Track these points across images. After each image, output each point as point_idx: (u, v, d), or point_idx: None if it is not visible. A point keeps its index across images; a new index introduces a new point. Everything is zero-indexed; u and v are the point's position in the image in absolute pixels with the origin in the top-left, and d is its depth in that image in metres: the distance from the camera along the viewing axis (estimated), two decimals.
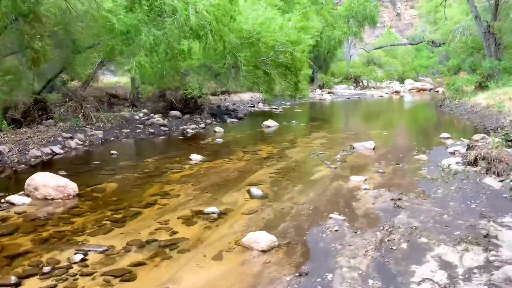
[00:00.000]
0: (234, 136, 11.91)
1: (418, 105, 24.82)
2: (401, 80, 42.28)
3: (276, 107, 21.04)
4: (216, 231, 4.58)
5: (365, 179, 6.61)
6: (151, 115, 14.25)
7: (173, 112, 14.64)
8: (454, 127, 14.23)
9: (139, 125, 12.81)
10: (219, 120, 15.25)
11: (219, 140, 10.83)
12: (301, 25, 15.27)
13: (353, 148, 9.49)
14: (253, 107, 20.21)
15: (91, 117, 11.80)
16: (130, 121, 13.08)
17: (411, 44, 36.82)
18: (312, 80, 37.20)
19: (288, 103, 24.00)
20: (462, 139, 10.39)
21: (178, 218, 5.01)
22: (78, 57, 11.64)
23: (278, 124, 13.98)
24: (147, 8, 10.40)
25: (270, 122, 13.99)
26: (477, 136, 10.54)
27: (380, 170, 7.24)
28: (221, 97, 20.02)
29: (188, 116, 14.77)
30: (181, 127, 13.13)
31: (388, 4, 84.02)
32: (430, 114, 19.22)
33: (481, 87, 19.02)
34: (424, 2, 42.97)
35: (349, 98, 29.50)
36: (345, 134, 11.93)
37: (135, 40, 10.65)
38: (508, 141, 8.78)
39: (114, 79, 19.73)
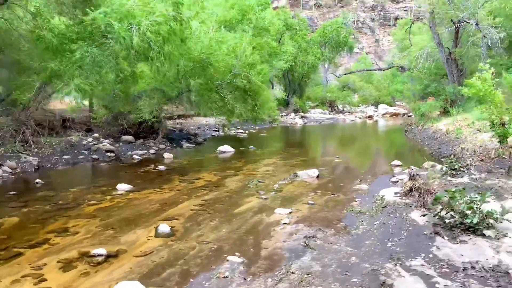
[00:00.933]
0: (181, 163, 11.38)
1: (386, 130, 24.77)
2: (377, 105, 42.64)
3: (243, 131, 20.68)
4: (90, 279, 4.01)
5: (290, 212, 6.15)
6: (101, 140, 13.68)
7: (125, 137, 14.07)
8: (411, 154, 14.00)
9: (84, 151, 12.20)
10: (175, 145, 14.74)
11: (161, 167, 10.30)
12: (256, 43, 15.05)
13: (297, 176, 9.07)
14: (218, 131, 19.77)
15: (30, 142, 11.18)
16: (76, 147, 12.46)
17: (380, 70, 37.23)
18: (287, 104, 37.26)
19: (257, 127, 23.71)
20: (412, 167, 10.08)
21: (58, 261, 4.43)
22: (18, 79, 11.12)
23: (233, 150, 13.52)
24: (78, 24, 10.02)
25: (225, 148, 13.53)
26: (427, 164, 10.26)
27: (311, 202, 6.80)
28: (183, 121, 19.58)
29: (141, 140, 14.22)
30: (129, 153, 12.57)
31: (367, 30, 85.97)
32: (393, 140, 19.08)
33: (445, 112, 19.02)
34: (398, 29, 43.96)
35: (320, 123, 29.39)
36: (296, 160, 11.51)
37: (71, 60, 10.18)
38: (452, 169, 8.49)
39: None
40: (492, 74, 8.69)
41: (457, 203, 4.86)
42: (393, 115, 37.51)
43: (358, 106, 43.87)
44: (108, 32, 10.60)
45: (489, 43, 15.91)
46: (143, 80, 13.12)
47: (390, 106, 41.39)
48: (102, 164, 11.12)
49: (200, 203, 6.82)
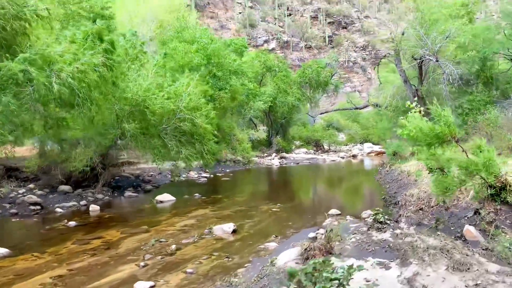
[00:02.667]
0: (101, 217, 10.38)
1: (361, 171, 23.76)
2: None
3: (207, 175, 19.78)
4: None
5: (152, 286, 5.12)
6: (34, 190, 12.78)
7: (62, 187, 13.17)
8: (362, 199, 13.00)
9: (7, 204, 11.26)
10: (116, 194, 13.80)
11: (72, 223, 9.32)
12: (201, 89, 14.45)
13: (211, 231, 8.07)
14: (178, 176, 18.83)
15: None
16: (2, 200, 11.55)
17: (357, 108, 36.77)
18: (269, 144, 36.55)
19: (227, 170, 22.82)
20: (348, 216, 9.08)
21: None
22: None
23: (174, 199, 12.56)
24: None
25: (164, 197, 12.57)
26: (365, 213, 9.27)
27: (190, 270, 5.78)
28: (145, 166, 18.72)
29: (80, 190, 13.31)
30: (57, 205, 11.62)
31: (359, 70, 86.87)
32: (357, 183, 18.09)
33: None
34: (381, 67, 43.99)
35: (298, 164, 28.44)
36: (231, 210, 10.52)
37: None
38: (378, 222, 7.49)
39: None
40: (420, 112, 7.85)
41: (311, 282, 3.85)
42: (378, 153, 36.56)
43: (346, 145, 43.11)
44: (28, 80, 10.02)
45: (450, 79, 15.26)
46: (77, 126, 12.38)
47: (377, 144, 40.56)
48: (15, 219, 10.14)
49: (61, 274, 5.81)
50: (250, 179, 20.26)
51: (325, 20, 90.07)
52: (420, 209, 8.44)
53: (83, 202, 12.08)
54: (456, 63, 14.92)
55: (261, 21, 78.20)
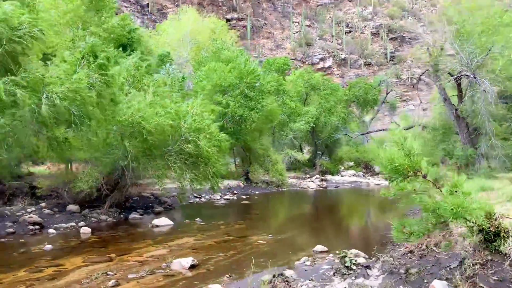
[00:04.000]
0: (86, 241, 10.18)
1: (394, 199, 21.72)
2: None
3: (232, 197, 19.27)
4: None
5: None
6: (44, 209, 13.06)
7: (70, 207, 13.34)
8: (366, 232, 11.63)
9: (9, 223, 11.53)
10: (122, 215, 13.69)
11: (49, 247, 9.19)
12: (208, 108, 14.02)
13: (168, 265, 7.45)
14: (199, 197, 18.49)
15: None
16: (5, 218, 11.88)
17: (405, 129, 34.23)
18: (313, 165, 35.29)
19: (257, 192, 22.16)
20: (331, 255, 8.01)
21: None
22: None
23: (171, 223, 12.14)
24: None
25: (161, 221, 12.19)
26: (353, 251, 8.11)
27: None
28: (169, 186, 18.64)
29: (87, 211, 13.40)
30: (56, 226, 11.69)
31: (424, 87, 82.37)
32: (378, 211, 16.50)
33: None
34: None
35: (337, 187, 26.95)
36: (215, 240, 9.81)
37: None
38: (345, 266, 6.41)
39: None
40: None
41: None
42: None
43: None
44: (14, 102, 10.27)
45: (488, 98, 13.46)
46: (80, 147, 12.50)
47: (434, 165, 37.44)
48: (4, 239, 10.24)
49: None
50: (271, 203, 19.39)
51: (387, 36, 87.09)
52: (410, 252, 7.15)
53: (81, 223, 12.06)
54: (493, 79, 13.10)
55: (318, 39, 77.41)
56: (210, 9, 67.11)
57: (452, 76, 15.26)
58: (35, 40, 11.03)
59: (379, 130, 33.94)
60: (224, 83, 20.99)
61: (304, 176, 32.09)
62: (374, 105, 35.91)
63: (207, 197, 18.82)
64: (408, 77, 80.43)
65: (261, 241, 9.70)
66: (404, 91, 75.31)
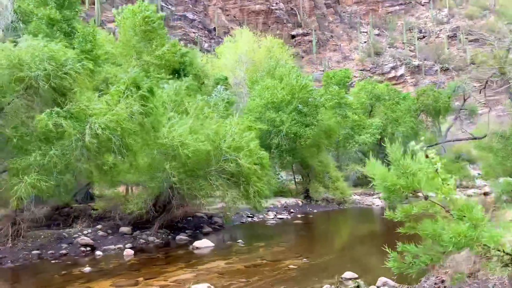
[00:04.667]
0: (125, 264, 10.51)
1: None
2: None
3: (286, 216, 18.92)
4: None
5: None
6: (99, 231, 13.83)
7: (123, 228, 13.95)
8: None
9: (64, 244, 12.37)
10: (170, 236, 14.01)
11: (87, 269, 9.64)
12: (245, 126, 13.93)
13: None
14: (252, 216, 18.35)
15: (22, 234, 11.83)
16: (63, 240, 12.75)
17: (474, 138, 31.00)
18: None
19: (315, 210, 21.52)
20: (360, 281, 7.38)
21: None
22: None
23: (213, 245, 12.14)
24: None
25: (202, 243, 12.24)
26: (382, 279, 7.40)
27: None
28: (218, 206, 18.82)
29: (138, 232, 13.94)
30: (106, 247, 12.29)
31: None
32: None
33: None
34: None
35: (406, 203, 25.16)
36: (245, 265, 9.56)
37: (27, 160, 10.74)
38: None
39: None
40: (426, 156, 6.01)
41: None
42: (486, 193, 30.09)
43: (485, 179, 36.79)
44: (60, 132, 11.10)
45: None
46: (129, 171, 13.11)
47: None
48: (54, 261, 10.95)
49: None
50: (325, 222, 18.61)
51: (466, 38, 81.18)
52: (441, 282, 6.31)
53: (128, 245, 12.53)
54: None
55: (388, 47, 74.52)
56: (275, 27, 68.10)
57: None
58: (79, 75, 11.90)
59: (448, 141, 31.26)
60: (276, 100, 20.90)
61: (372, 192, 30.60)
62: (446, 113, 33.36)
63: (260, 216, 18.62)
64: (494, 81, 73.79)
65: (292, 266, 9.27)
66: (490, 96, 69.12)
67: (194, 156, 12.29)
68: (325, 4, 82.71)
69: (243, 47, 27.62)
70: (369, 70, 67.10)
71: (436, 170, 5.10)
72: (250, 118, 15.75)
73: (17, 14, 17.71)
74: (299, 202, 23.14)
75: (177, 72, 19.71)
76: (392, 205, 5.04)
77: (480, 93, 21.14)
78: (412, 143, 6.29)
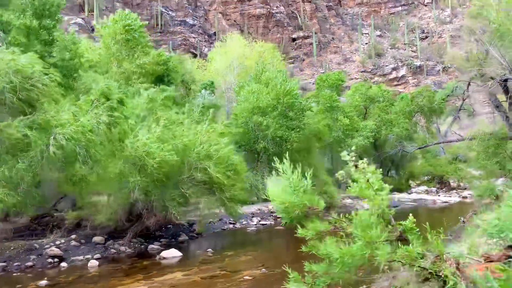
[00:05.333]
0: (85, 275, 10.45)
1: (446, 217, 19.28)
2: None
3: (268, 222, 18.74)
4: None
5: None
6: (71, 241, 13.79)
7: (95, 238, 13.90)
8: None
9: (33, 256, 12.33)
10: (143, 246, 13.91)
11: (43, 282, 9.59)
12: (217, 133, 13.81)
13: None
14: (234, 223, 18.19)
15: None
16: (33, 251, 12.71)
17: (463, 140, 30.41)
18: None
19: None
20: None
21: None
22: None
23: (180, 255, 12.03)
24: None
25: (169, 253, 12.13)
26: None
27: None
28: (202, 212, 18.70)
29: (111, 241, 13.87)
30: (71, 259, 12.22)
31: None
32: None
33: None
34: None
35: (396, 207, 24.80)
36: (201, 276, 9.44)
37: None
38: None
39: None
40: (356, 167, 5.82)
41: None
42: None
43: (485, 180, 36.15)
44: (28, 144, 11.09)
45: None
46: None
47: None
48: (16, 274, 10.91)
49: None
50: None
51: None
52: None
53: (97, 256, 12.46)
54: None
55: (390, 48, 73.99)
56: (276, 30, 68.07)
57: (492, 79, 13.32)
58: (46, 87, 11.89)
59: (439, 143, 30.72)
60: (261, 104, 20.79)
61: None
62: (441, 114, 32.93)
63: (244, 223, 18.48)
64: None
65: (248, 277, 9.13)
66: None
67: (161, 166, 12.20)
68: (326, 6, 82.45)
69: (234, 52, 27.59)
70: (370, 72, 66.66)
71: (368, 180, 4.95)
72: (225, 123, 15.62)
73: None
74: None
75: (161, 79, 19.68)
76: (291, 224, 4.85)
77: (464, 94, 20.77)
78: (343, 153, 6.13)
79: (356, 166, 5.24)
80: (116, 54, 16.85)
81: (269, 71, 22.52)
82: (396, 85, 66.48)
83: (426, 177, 37.09)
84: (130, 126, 12.61)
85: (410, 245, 4.37)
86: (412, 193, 32.22)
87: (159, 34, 56.27)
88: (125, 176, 12.83)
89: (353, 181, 4.93)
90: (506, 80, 13.28)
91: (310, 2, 76.12)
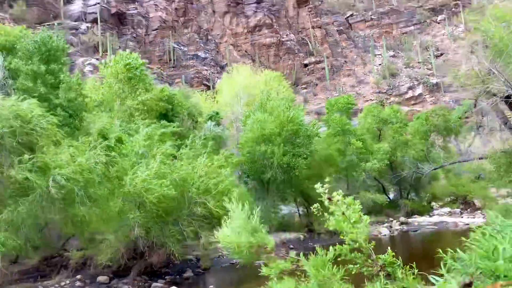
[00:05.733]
0: None
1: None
2: None
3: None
4: None
5: None
6: (76, 282, 13.70)
7: (100, 278, 13.78)
8: None
9: None
10: (147, 284, 13.67)
11: None
12: (217, 164, 13.66)
13: None
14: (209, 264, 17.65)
15: None
16: None
17: (480, 159, 29.22)
18: (395, 207, 32.18)
19: (316, 244, 20.64)
20: None
21: None
22: None
23: None
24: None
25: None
26: None
27: None
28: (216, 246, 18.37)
29: (116, 280, 13.71)
30: None
31: None
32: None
33: None
34: None
35: (416, 231, 23.87)
36: None
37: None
38: None
39: None
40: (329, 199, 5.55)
41: None
42: None
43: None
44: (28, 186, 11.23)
45: None
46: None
47: None
48: None
49: None
50: None
51: (484, 52, 79.03)
52: None
53: None
54: None
55: (404, 68, 73.43)
56: (287, 57, 68.77)
57: (494, 95, 12.87)
58: (44, 130, 12.13)
59: (453, 163, 29.61)
60: (265, 133, 20.71)
61: (386, 220, 29.35)
62: (459, 132, 32.04)
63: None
64: None
65: None
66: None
67: (160, 201, 12.13)
68: (337, 30, 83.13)
69: (240, 82, 27.85)
70: (385, 92, 66.11)
71: (343, 213, 4.71)
72: (226, 154, 15.51)
73: (7, 71, 18.58)
74: (301, 236, 22.35)
75: (165, 114, 19.90)
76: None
77: (472, 112, 20.14)
78: (317, 185, 5.87)
79: (329, 199, 5.01)
80: (119, 92, 17.18)
81: (273, 100, 22.50)
82: (413, 104, 65.57)
83: (449, 198, 35.82)
84: (129, 164, 12.63)
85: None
86: (433, 215, 31.09)
87: (173, 69, 57.59)
88: (125, 213, 12.80)
89: (330, 214, 4.70)
90: (508, 97, 12.80)
91: (320, 28, 76.90)
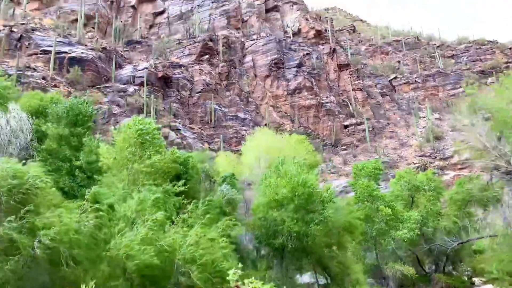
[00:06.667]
0: None
1: None
2: None
3: None
4: None
5: None
6: None
7: None
8: None
9: None
10: None
11: None
12: (208, 235, 13.47)
13: None
14: None
15: None
16: None
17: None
18: (429, 281, 29.70)
19: None
20: None
21: None
22: None
23: None
24: None
25: None
26: None
27: None
28: None
29: None
30: None
31: None
32: None
33: None
34: None
35: None
36: None
37: None
38: None
39: None
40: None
41: None
42: None
43: None
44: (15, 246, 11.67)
45: None
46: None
47: None
48: None
49: None
50: None
51: None
52: None
53: None
54: None
55: (450, 131, 70.73)
56: (327, 119, 68.95)
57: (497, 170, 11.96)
58: (39, 190, 12.76)
59: (478, 238, 27.03)
60: (277, 198, 20.42)
61: None
62: (498, 202, 29.62)
63: None
64: None
65: None
66: None
67: (140, 269, 12.07)
68: (380, 93, 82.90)
69: (263, 145, 28.14)
70: (429, 156, 63.54)
71: None
72: (226, 224, 15.32)
73: (34, 133, 20.15)
74: None
75: (178, 177, 20.33)
76: None
77: (488, 185, 18.72)
78: (230, 271, 5.71)
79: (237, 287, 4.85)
80: (129, 156, 17.91)
81: (287, 163, 22.36)
82: (460, 169, 62.31)
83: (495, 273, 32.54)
84: (118, 228, 12.84)
85: None
86: None
87: (213, 129, 59.51)
88: (112, 280, 12.80)
89: None
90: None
91: (361, 90, 77.13)
